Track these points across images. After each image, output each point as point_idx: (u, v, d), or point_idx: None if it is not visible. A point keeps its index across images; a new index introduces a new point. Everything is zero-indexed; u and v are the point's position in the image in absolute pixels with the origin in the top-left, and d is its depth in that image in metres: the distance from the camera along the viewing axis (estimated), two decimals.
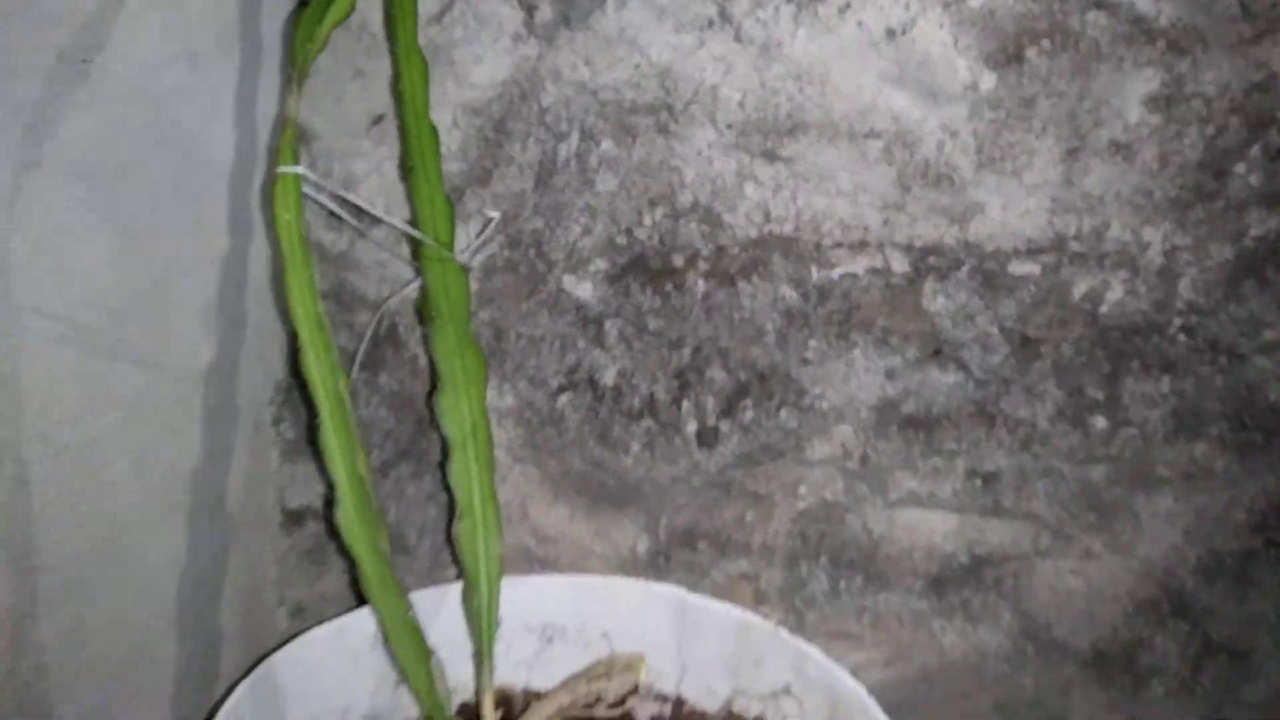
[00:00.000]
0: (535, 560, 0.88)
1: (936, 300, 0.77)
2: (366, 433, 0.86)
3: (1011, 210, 0.74)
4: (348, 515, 0.60)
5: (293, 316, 0.57)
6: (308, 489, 0.87)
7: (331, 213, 0.78)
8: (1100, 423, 0.78)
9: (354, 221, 0.77)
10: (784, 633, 0.73)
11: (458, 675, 0.71)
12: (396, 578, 0.64)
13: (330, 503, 0.61)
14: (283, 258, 0.56)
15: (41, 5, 0.52)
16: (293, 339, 0.72)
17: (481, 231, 0.76)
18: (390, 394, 0.85)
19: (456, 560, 0.71)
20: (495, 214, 0.75)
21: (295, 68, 0.58)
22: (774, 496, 0.83)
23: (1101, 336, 0.76)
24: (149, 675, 0.68)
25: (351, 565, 0.63)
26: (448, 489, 0.70)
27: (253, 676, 0.65)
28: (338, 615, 0.74)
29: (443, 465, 0.71)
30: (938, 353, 0.78)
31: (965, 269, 0.76)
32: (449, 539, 0.74)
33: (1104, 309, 0.76)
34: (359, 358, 0.82)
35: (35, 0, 0.51)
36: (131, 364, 0.62)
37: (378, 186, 0.79)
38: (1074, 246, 0.75)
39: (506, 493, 0.85)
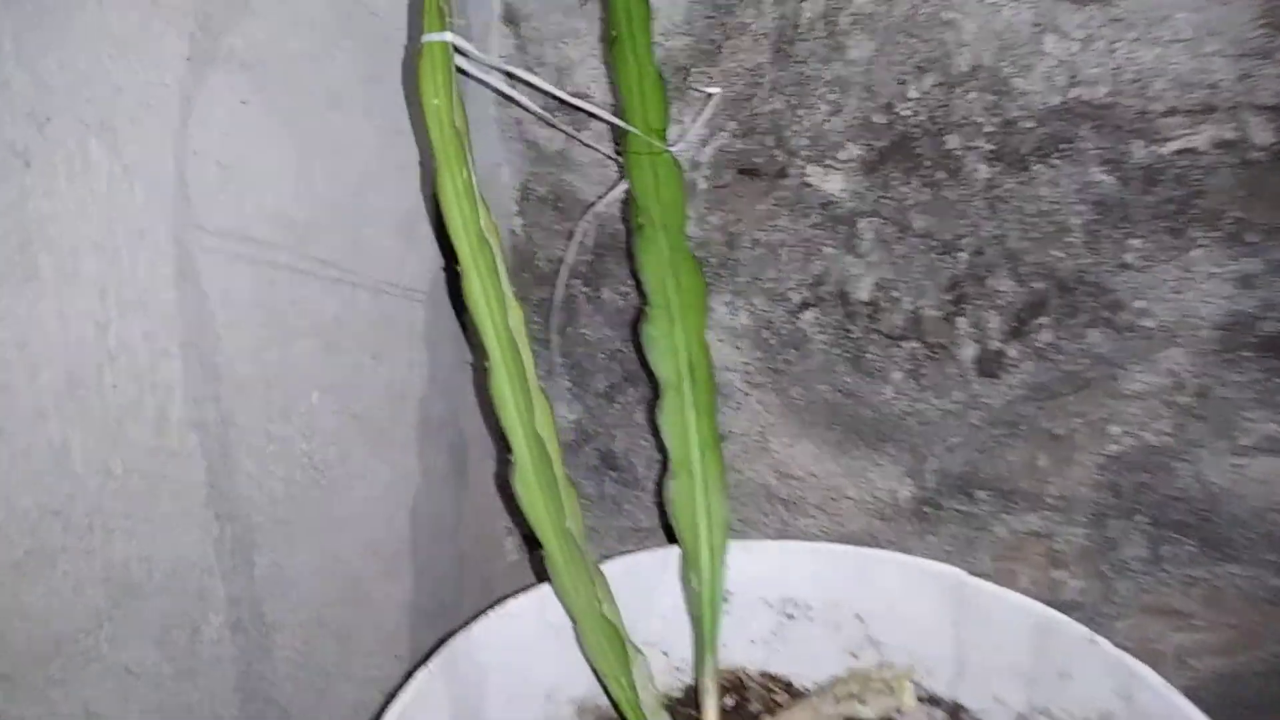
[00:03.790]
0: (777, 500, 0.79)
1: None
2: (589, 352, 0.80)
3: None
4: (526, 483, 0.49)
5: (449, 229, 0.46)
6: None
7: (544, 104, 0.70)
8: None
9: (543, 113, 0.67)
10: (1105, 644, 0.58)
11: (680, 651, 0.61)
12: (590, 561, 0.53)
13: (504, 465, 0.50)
14: (433, 154, 0.45)
15: None
16: (451, 259, 0.60)
17: (700, 112, 0.65)
18: (614, 310, 0.79)
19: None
20: (715, 90, 0.63)
21: None
22: (1076, 437, 0.70)
23: None
24: (366, 615, 0.65)
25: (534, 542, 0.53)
26: (658, 438, 0.59)
27: (439, 658, 0.56)
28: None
29: (652, 408, 0.60)
30: None
31: None
32: (658, 496, 0.62)
33: None
34: (568, 270, 0.75)
35: None
36: (322, 284, 0.57)
37: (595, 73, 0.71)
38: None
39: (743, 422, 0.78)
